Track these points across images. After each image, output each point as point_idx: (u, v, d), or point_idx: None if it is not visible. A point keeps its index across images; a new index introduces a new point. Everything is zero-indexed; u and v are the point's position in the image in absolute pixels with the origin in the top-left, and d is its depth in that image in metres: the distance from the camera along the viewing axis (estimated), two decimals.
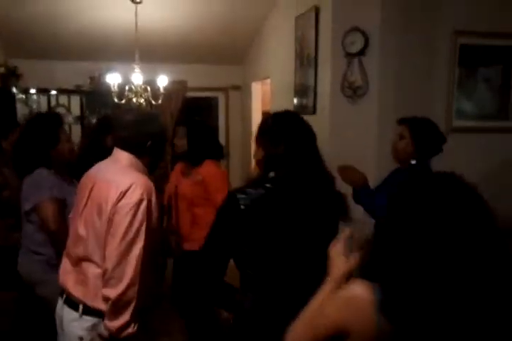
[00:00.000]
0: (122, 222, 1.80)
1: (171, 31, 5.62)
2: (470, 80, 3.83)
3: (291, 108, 4.57)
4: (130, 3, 4.88)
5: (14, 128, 3.36)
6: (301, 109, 4.27)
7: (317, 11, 3.88)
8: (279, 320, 1.84)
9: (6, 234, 3.15)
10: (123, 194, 1.82)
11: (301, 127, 2.00)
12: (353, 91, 3.65)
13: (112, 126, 2.57)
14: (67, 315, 1.95)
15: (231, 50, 6.34)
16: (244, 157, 6.57)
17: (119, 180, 1.88)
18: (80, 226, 1.93)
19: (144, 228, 1.82)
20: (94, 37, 5.59)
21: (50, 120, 2.67)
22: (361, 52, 3.61)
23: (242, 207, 1.83)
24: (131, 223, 1.80)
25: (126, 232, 1.79)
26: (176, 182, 3.34)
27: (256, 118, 6.37)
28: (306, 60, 4.18)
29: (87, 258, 1.91)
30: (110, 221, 1.82)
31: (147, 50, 5.22)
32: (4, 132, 3.30)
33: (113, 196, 1.83)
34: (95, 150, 2.97)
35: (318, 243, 1.86)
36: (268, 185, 1.88)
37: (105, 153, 2.07)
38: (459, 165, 3.45)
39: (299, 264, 1.91)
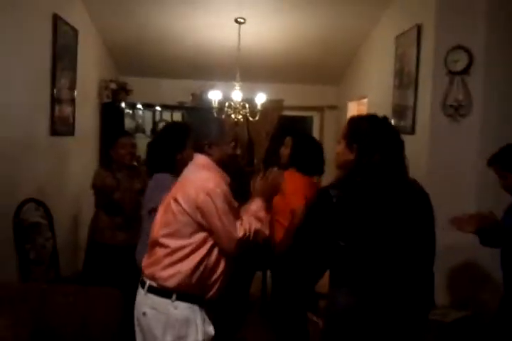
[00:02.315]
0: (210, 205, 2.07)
1: (271, 51, 5.79)
2: None
3: None
4: (234, 23, 5.10)
5: (118, 139, 3.60)
6: (399, 129, 4.21)
7: (419, 29, 3.86)
8: (379, 314, 1.86)
9: (113, 233, 3.37)
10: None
11: (395, 135, 2.06)
12: (454, 110, 3.57)
13: None
14: (138, 293, 2.18)
15: (328, 70, 6.41)
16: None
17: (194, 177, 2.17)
18: (161, 214, 2.19)
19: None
20: (198, 56, 5.87)
21: (181, 128, 2.96)
22: (465, 71, 3.54)
23: (334, 200, 1.89)
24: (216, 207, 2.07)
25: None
26: None
27: None
28: (405, 79, 4.15)
29: (160, 241, 2.13)
30: (197, 208, 2.06)
31: (247, 69, 5.41)
32: (113, 142, 3.55)
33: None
34: None
35: (410, 235, 1.90)
36: (357, 181, 1.95)
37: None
38: None
39: (394, 256, 1.93)
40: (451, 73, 3.58)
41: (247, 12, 4.99)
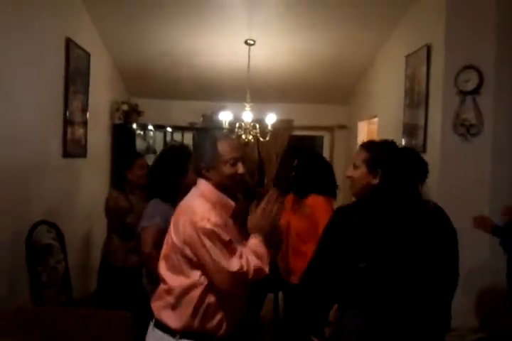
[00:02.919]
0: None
1: (281, 72, 5.83)
2: None
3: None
4: (244, 45, 5.16)
5: (135, 160, 3.62)
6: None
7: (429, 48, 3.87)
8: (388, 337, 1.85)
9: (125, 256, 3.37)
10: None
11: (415, 160, 2.11)
12: (466, 130, 3.56)
13: None
14: (149, 326, 2.09)
15: (338, 90, 6.44)
16: (347, 196, 6.51)
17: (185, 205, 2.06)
18: (164, 248, 2.08)
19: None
20: (209, 78, 5.93)
21: (181, 152, 2.93)
22: (475, 91, 3.54)
23: (353, 218, 1.90)
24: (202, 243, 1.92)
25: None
26: (288, 217, 3.32)
27: None
28: (416, 98, 4.16)
29: (161, 274, 2.05)
30: (185, 242, 1.95)
31: (257, 90, 5.45)
32: (128, 163, 3.57)
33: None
34: None
35: (428, 258, 1.90)
36: (378, 201, 1.96)
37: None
38: None
39: (410, 278, 1.92)
40: (462, 93, 3.58)
41: (257, 34, 5.04)
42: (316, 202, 3.19)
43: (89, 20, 4.70)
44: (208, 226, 1.89)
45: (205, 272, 1.93)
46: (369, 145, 2.18)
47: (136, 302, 2.66)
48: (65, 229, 3.84)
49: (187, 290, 1.95)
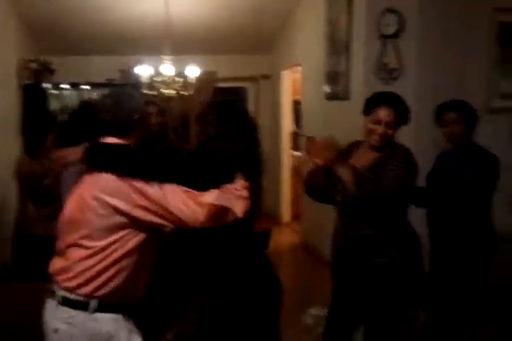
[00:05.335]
0: None
1: (200, 22, 5.60)
2: (510, 59, 3.68)
3: (322, 95, 4.49)
4: None
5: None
6: (334, 95, 4.18)
7: None
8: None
9: (44, 224, 3.17)
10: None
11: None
12: (387, 74, 3.55)
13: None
14: (48, 306, 1.84)
15: (260, 39, 6.28)
16: (275, 145, 6.51)
17: None
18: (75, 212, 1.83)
19: None
20: (124, 31, 5.60)
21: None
22: (396, 34, 3.51)
23: None
24: None
25: None
26: None
27: (286, 107, 6.34)
28: (338, 44, 4.09)
29: (76, 243, 1.80)
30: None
31: (177, 42, 5.19)
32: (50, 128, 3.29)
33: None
34: None
35: None
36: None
37: None
38: (498, 146, 3.38)
39: None
40: (383, 37, 3.55)
41: None
42: None
43: None
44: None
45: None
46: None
47: None
48: None
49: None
